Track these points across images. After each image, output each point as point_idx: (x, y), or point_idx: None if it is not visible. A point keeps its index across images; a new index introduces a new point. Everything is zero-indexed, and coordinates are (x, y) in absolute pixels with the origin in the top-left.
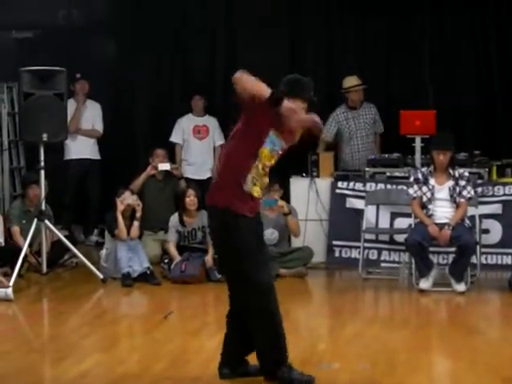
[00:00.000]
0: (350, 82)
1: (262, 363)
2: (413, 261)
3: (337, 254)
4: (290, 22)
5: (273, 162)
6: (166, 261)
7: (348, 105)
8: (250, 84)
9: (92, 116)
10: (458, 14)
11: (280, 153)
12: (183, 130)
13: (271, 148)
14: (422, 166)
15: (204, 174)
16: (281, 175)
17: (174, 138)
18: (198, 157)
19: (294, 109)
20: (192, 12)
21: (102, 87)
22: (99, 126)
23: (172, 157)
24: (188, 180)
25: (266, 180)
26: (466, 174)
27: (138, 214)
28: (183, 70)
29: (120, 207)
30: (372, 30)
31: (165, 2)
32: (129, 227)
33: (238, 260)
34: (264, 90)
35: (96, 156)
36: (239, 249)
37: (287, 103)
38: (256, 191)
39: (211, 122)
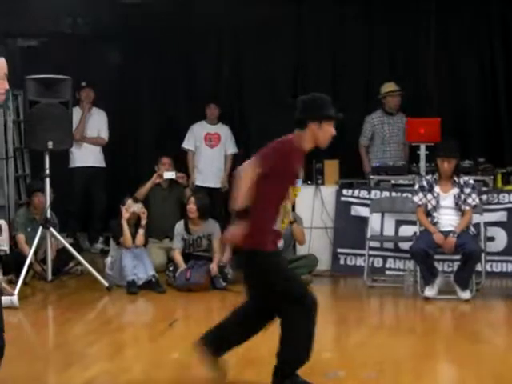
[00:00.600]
0: (389, 87)
1: (281, 366)
2: (418, 268)
3: (342, 262)
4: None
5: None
6: (171, 268)
7: (385, 110)
8: (239, 189)
9: (97, 124)
10: (463, 22)
11: None
12: (195, 136)
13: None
14: (427, 173)
15: (213, 183)
16: None
17: (186, 144)
18: (208, 165)
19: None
20: (196, 18)
21: (108, 95)
22: (104, 134)
23: (179, 164)
24: (195, 188)
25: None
26: (471, 181)
27: (143, 222)
28: (188, 78)
29: (125, 215)
30: (376, 37)
31: (169, 10)
32: (134, 235)
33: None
34: (237, 202)
35: (101, 164)
36: (280, 282)
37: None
38: (282, 226)
39: (223, 131)
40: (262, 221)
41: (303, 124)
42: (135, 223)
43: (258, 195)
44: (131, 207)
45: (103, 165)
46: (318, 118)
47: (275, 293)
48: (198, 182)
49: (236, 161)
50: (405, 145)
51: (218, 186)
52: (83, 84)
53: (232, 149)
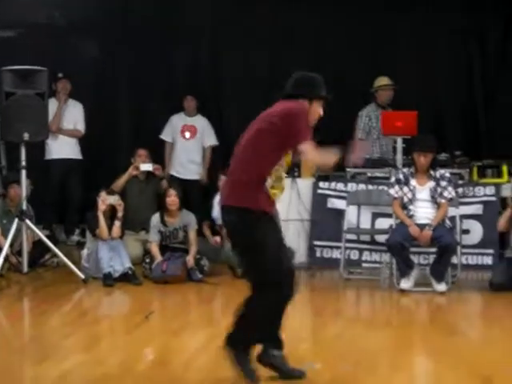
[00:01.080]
0: (381, 81)
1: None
2: (394, 261)
3: (318, 254)
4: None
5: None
6: (147, 260)
7: (377, 104)
8: (319, 159)
9: (74, 116)
10: (437, 16)
11: None
12: (173, 127)
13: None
14: (404, 166)
15: (189, 175)
16: None
17: (164, 135)
18: (186, 157)
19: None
20: (176, 11)
21: (84, 87)
22: (81, 126)
23: (156, 156)
24: (170, 180)
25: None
26: (447, 174)
27: (120, 214)
28: (166, 70)
29: (101, 207)
30: (353, 27)
31: (148, 2)
32: (110, 227)
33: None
34: (330, 160)
35: (77, 156)
36: (263, 244)
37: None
38: (273, 193)
39: (201, 123)
40: (255, 178)
41: (311, 99)
42: (111, 215)
43: (255, 150)
44: (107, 199)
45: (79, 157)
46: (309, 97)
47: (252, 261)
48: (173, 173)
49: (214, 153)
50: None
51: (194, 177)
52: (60, 75)
53: (211, 141)
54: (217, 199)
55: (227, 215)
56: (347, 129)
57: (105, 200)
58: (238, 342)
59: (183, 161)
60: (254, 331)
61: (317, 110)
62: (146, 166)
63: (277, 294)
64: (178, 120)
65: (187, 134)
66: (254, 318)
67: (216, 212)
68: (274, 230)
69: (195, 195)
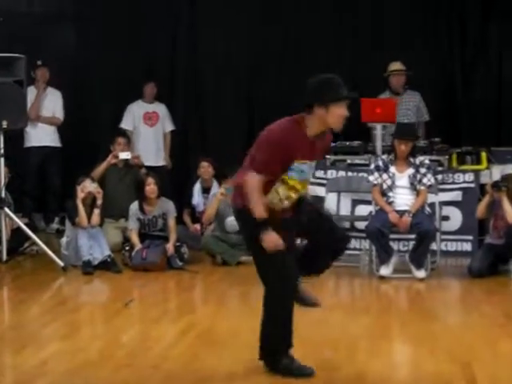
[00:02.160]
0: (392, 66)
1: (265, 347)
2: (373, 248)
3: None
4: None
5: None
6: (126, 248)
7: (391, 90)
8: (250, 198)
9: (52, 103)
10: (418, 6)
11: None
12: (134, 116)
13: (299, 176)
14: (383, 153)
15: (154, 161)
16: (241, 163)
17: (125, 124)
18: (149, 143)
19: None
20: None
21: (63, 74)
22: (60, 114)
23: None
24: (148, 168)
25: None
26: (427, 161)
27: (99, 202)
28: (145, 58)
29: (80, 195)
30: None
31: None
32: (89, 215)
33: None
34: (254, 209)
35: (57, 143)
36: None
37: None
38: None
39: (161, 109)
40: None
41: (310, 109)
42: (91, 203)
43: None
44: (87, 187)
45: (59, 144)
46: (323, 102)
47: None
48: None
49: (186, 139)
50: (420, 123)
51: (159, 164)
52: (38, 63)
53: (170, 126)
54: (197, 187)
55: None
56: None
57: (84, 188)
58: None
59: (148, 148)
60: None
61: (337, 112)
62: (125, 155)
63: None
64: (137, 108)
65: (150, 121)
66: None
67: (196, 200)
68: None
69: (166, 181)
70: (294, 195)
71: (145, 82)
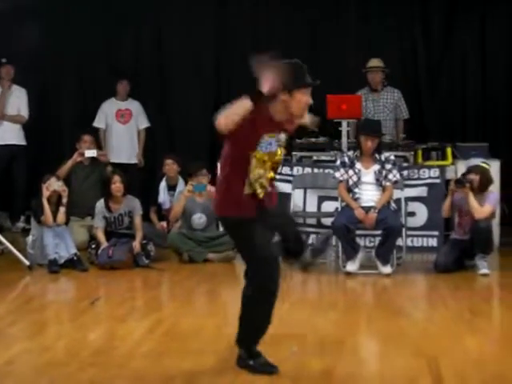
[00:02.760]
0: (371, 63)
1: (242, 337)
2: (339, 244)
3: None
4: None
5: (277, 158)
6: (93, 246)
7: (370, 87)
8: (228, 116)
9: (17, 101)
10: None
11: (281, 145)
12: (106, 114)
13: (265, 149)
14: (349, 149)
15: (127, 159)
16: (209, 159)
17: (97, 123)
18: (122, 141)
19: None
20: None
21: (28, 72)
22: (25, 112)
23: (101, 142)
24: (114, 165)
25: (269, 175)
26: (392, 157)
27: (64, 200)
28: (109, 55)
29: (46, 193)
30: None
31: None
32: (55, 213)
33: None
34: (242, 105)
35: (22, 142)
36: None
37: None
38: (259, 192)
39: (134, 106)
40: (224, 186)
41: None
42: (56, 201)
43: (223, 160)
44: (52, 185)
45: (24, 143)
46: (287, 88)
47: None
48: (113, 159)
49: (153, 136)
50: (398, 120)
51: (133, 161)
52: (3, 61)
53: (144, 123)
54: (163, 184)
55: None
56: None
57: (49, 186)
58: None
59: (122, 145)
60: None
61: (301, 99)
62: (91, 152)
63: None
64: (109, 106)
65: (122, 119)
66: (253, 317)
67: (162, 197)
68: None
69: (136, 179)
70: (263, 172)
71: (116, 79)
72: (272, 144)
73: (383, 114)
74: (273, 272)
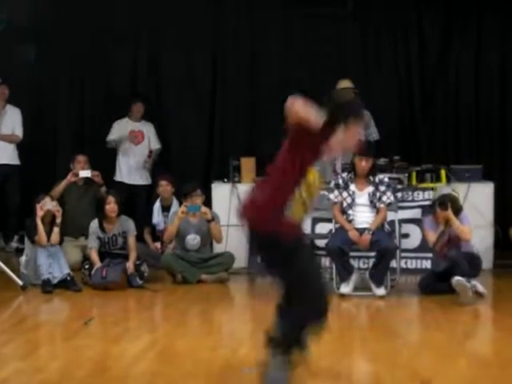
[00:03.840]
0: (342, 84)
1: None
2: (333, 265)
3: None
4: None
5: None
6: (86, 267)
7: None
8: (302, 112)
9: (12, 121)
10: (379, 24)
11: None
12: (119, 133)
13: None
14: (343, 171)
15: (138, 180)
16: (202, 180)
17: (111, 135)
18: (132, 161)
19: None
20: (113, 15)
21: (23, 92)
22: (19, 131)
23: (96, 162)
24: (127, 187)
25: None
26: (386, 179)
27: (58, 220)
28: (105, 75)
29: (40, 213)
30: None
31: (85, 6)
32: (49, 233)
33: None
34: (314, 121)
35: (15, 161)
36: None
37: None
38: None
39: (147, 127)
40: (276, 201)
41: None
42: (50, 221)
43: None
44: (46, 205)
45: (18, 162)
46: (347, 120)
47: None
48: (121, 179)
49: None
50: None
51: (142, 182)
52: None
53: (156, 145)
54: (157, 205)
55: None
56: None
57: (43, 206)
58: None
59: (133, 166)
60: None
61: (356, 131)
62: (85, 173)
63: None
64: (123, 125)
65: (135, 140)
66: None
67: (156, 218)
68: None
69: (144, 200)
70: (308, 194)
71: (131, 100)
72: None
73: None
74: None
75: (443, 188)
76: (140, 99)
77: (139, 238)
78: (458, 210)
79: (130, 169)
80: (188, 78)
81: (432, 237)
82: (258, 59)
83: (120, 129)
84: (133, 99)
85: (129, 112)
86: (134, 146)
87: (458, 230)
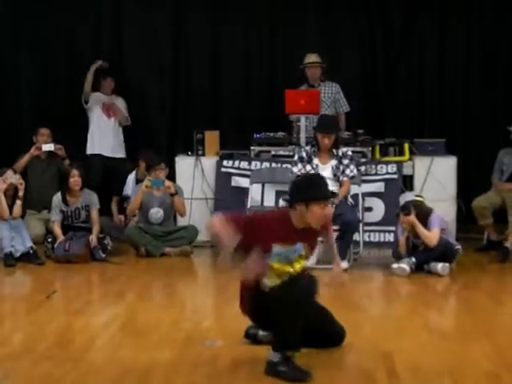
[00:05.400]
0: (309, 58)
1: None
2: None
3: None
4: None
5: (298, 266)
6: (49, 240)
7: (308, 82)
8: (217, 230)
9: None
10: None
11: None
12: (92, 104)
13: (280, 259)
14: (307, 144)
15: (110, 152)
16: (166, 154)
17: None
18: (105, 134)
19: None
20: None
21: None
22: None
23: (58, 135)
24: (101, 158)
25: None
26: (349, 152)
27: (21, 193)
28: (68, 48)
29: (2, 186)
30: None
31: None
32: (11, 206)
33: None
34: (226, 241)
35: None
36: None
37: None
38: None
39: (118, 102)
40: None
41: (291, 205)
42: (13, 195)
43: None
44: (8, 178)
45: None
46: (303, 200)
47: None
48: (93, 151)
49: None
50: (338, 114)
51: (120, 156)
52: None
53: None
54: (132, 176)
55: None
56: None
57: (5, 179)
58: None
59: (105, 139)
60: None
61: (316, 211)
62: (48, 146)
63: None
64: (97, 98)
65: (108, 113)
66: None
67: (128, 190)
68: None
69: (121, 173)
70: (291, 269)
71: (103, 77)
72: (286, 255)
73: (322, 109)
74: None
75: (407, 195)
76: (110, 74)
77: (105, 211)
78: (425, 214)
79: (103, 141)
80: (151, 49)
81: (401, 242)
82: (225, 27)
83: (92, 99)
84: (103, 75)
85: (99, 87)
86: (107, 119)
87: (422, 236)
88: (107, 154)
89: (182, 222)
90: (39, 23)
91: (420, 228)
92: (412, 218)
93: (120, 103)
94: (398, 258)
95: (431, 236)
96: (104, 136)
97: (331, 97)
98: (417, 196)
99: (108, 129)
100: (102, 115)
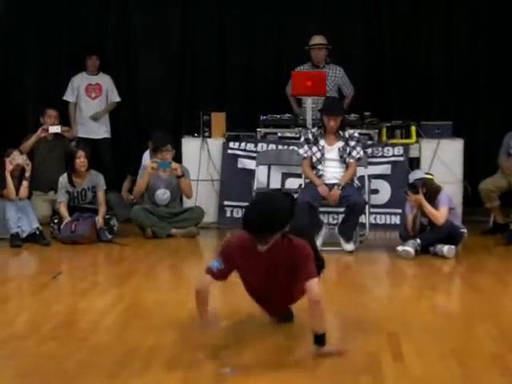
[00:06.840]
0: (313, 40)
1: None
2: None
3: (228, 214)
4: None
5: None
6: (55, 221)
7: (313, 63)
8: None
9: None
10: None
11: None
12: (77, 88)
13: None
14: (313, 126)
15: (97, 134)
16: (173, 135)
17: (67, 96)
18: (88, 117)
19: None
20: None
21: None
22: None
23: (65, 117)
24: (79, 141)
25: None
26: (356, 134)
27: (28, 174)
28: (73, 28)
29: (9, 167)
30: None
31: None
32: (18, 187)
33: None
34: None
35: None
36: None
37: None
38: None
39: (105, 80)
40: None
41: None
42: (19, 175)
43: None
44: (15, 159)
45: None
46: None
47: None
48: (81, 134)
49: (119, 110)
50: (346, 97)
51: (102, 136)
52: None
53: (115, 97)
54: (146, 154)
55: None
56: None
57: (12, 160)
58: None
59: (91, 120)
60: None
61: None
62: (55, 128)
63: None
64: (80, 80)
65: (93, 94)
66: None
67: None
68: None
69: (106, 154)
70: None
71: (84, 54)
72: None
73: (327, 90)
74: None
75: (416, 173)
76: (94, 52)
77: (115, 186)
78: (434, 192)
79: (89, 123)
80: (157, 30)
81: (409, 220)
82: (231, 9)
83: (76, 84)
84: (87, 53)
85: (84, 66)
86: (92, 100)
87: (430, 215)
88: (92, 136)
89: (188, 203)
90: (44, 9)
91: (428, 207)
92: (420, 196)
93: (107, 82)
94: (405, 238)
95: (438, 215)
96: (85, 118)
97: (335, 80)
98: (426, 174)
99: (90, 111)
100: (85, 97)
